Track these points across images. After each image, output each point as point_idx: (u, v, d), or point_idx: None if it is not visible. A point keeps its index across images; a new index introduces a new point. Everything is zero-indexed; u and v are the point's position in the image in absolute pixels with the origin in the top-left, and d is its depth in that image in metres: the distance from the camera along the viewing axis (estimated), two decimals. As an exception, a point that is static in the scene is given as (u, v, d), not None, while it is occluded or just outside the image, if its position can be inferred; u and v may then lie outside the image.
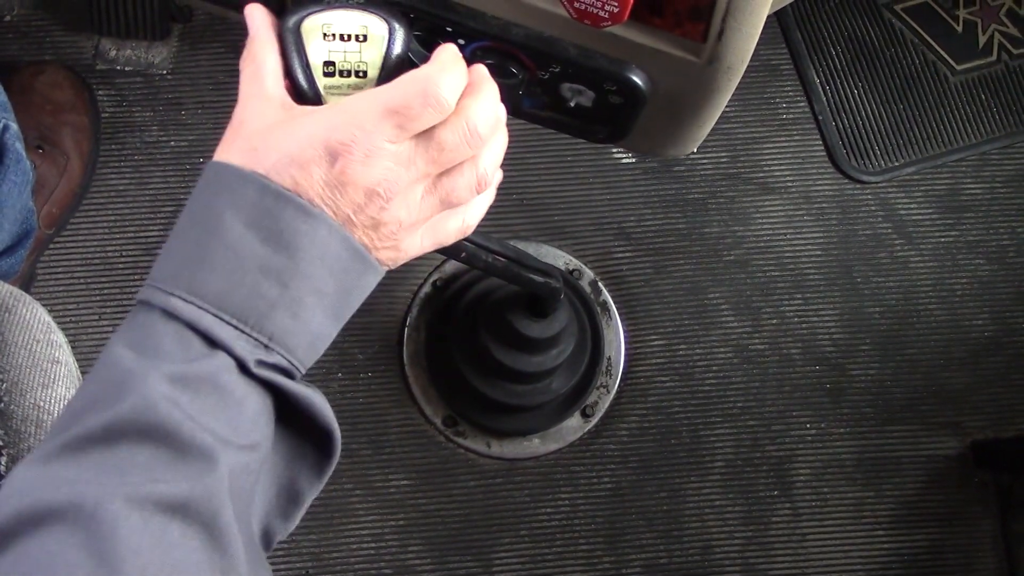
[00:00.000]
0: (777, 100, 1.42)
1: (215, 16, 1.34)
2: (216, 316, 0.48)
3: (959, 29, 1.46)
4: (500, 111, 0.56)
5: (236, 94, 1.53)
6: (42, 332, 0.74)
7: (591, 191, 1.36)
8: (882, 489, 1.32)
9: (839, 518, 1.31)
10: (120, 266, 1.28)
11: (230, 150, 0.51)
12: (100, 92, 1.31)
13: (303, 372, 0.51)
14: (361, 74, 0.58)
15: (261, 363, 0.48)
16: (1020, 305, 1.39)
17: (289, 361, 0.50)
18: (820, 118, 1.41)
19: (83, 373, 0.80)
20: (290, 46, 0.56)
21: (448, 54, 0.54)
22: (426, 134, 0.51)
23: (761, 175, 1.39)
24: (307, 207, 0.49)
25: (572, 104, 0.73)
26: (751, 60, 0.66)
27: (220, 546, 0.44)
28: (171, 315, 0.48)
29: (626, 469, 1.30)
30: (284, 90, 0.55)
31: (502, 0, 0.67)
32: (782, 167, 1.40)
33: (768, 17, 0.65)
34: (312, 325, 0.50)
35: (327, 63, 0.57)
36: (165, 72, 1.33)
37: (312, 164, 0.49)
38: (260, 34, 0.56)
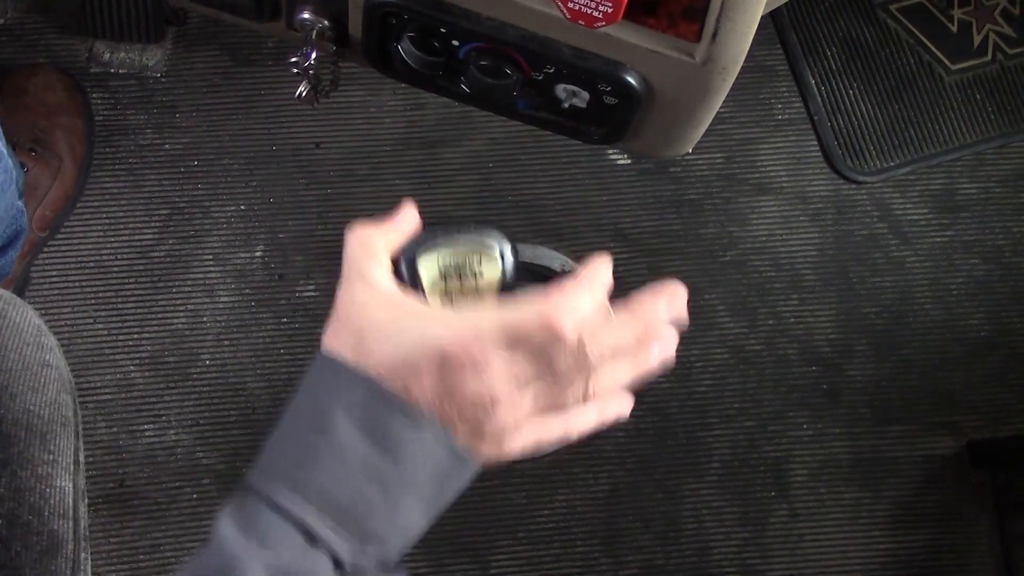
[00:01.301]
0: (772, 101, 1.42)
1: (209, 19, 1.34)
2: (319, 515, 0.49)
3: (954, 29, 1.46)
4: (636, 344, 0.56)
5: (231, 97, 1.52)
6: (33, 335, 0.74)
7: (587, 192, 1.36)
8: (879, 489, 1.32)
9: (836, 518, 1.31)
10: (114, 269, 1.28)
11: (340, 342, 0.52)
12: (94, 95, 1.31)
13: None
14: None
15: (356, 564, 0.50)
16: (1016, 305, 1.39)
17: (380, 558, 0.51)
18: (815, 119, 1.41)
19: (75, 377, 0.80)
20: (406, 281, 0.57)
21: (588, 276, 0.55)
22: (541, 352, 0.52)
23: (757, 176, 1.39)
24: (416, 415, 0.50)
25: (567, 105, 0.73)
26: (746, 61, 0.66)
27: None
28: (276, 506, 0.49)
29: (623, 470, 1.30)
30: (392, 282, 0.56)
31: (496, 0, 0.66)
32: (778, 168, 1.40)
33: (763, 18, 0.65)
34: (408, 523, 0.51)
35: (445, 294, 0.59)
36: (159, 75, 1.33)
37: (424, 372, 0.50)
38: (396, 224, 0.57)
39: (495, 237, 0.61)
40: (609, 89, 0.69)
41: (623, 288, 0.59)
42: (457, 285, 0.59)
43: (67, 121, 1.26)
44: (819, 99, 1.42)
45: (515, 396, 0.52)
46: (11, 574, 0.67)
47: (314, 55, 0.77)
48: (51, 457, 0.71)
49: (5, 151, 0.86)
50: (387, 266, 0.56)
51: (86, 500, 0.74)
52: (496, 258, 0.60)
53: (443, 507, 0.53)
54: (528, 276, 0.65)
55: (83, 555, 0.72)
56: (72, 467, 0.73)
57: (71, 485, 0.72)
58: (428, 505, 0.52)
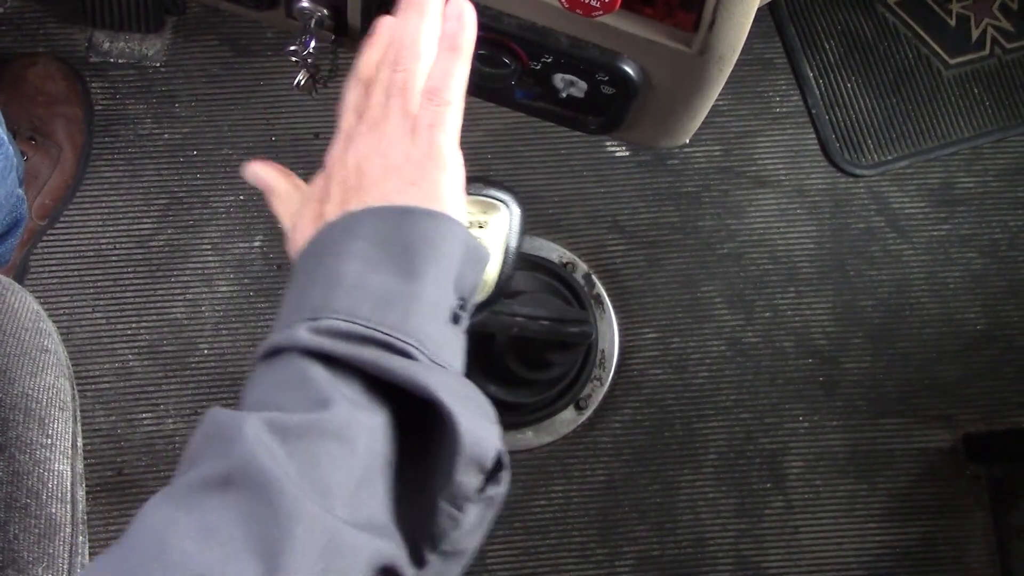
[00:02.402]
0: (770, 94, 1.42)
1: (209, 8, 1.34)
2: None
3: (952, 23, 1.46)
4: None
5: (230, 87, 1.53)
6: (31, 321, 0.74)
7: (585, 184, 1.36)
8: (875, 482, 1.33)
9: (832, 511, 1.32)
10: (113, 259, 1.28)
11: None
12: (93, 84, 1.31)
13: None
14: None
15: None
16: (1012, 298, 1.39)
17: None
18: (813, 112, 1.41)
19: (74, 365, 0.80)
20: None
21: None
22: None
23: (754, 168, 1.39)
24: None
25: (564, 95, 0.73)
26: (745, 54, 0.66)
27: None
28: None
29: (619, 462, 1.30)
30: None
31: (493, -11, 0.67)
32: (775, 161, 1.40)
33: (762, 11, 0.65)
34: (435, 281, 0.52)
35: None
36: (159, 64, 1.33)
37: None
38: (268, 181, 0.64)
39: (502, 192, 0.61)
40: (606, 79, 0.70)
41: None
42: None
43: (67, 110, 1.26)
44: (817, 92, 1.42)
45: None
46: (9, 557, 0.68)
47: (312, 44, 0.77)
48: (49, 441, 0.72)
49: (6, 138, 0.86)
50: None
51: (84, 484, 0.75)
52: (503, 211, 0.60)
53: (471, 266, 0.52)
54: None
55: (81, 539, 0.72)
56: (70, 451, 0.73)
57: (69, 469, 0.72)
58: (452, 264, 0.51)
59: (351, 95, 0.59)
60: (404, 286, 0.49)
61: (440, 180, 0.53)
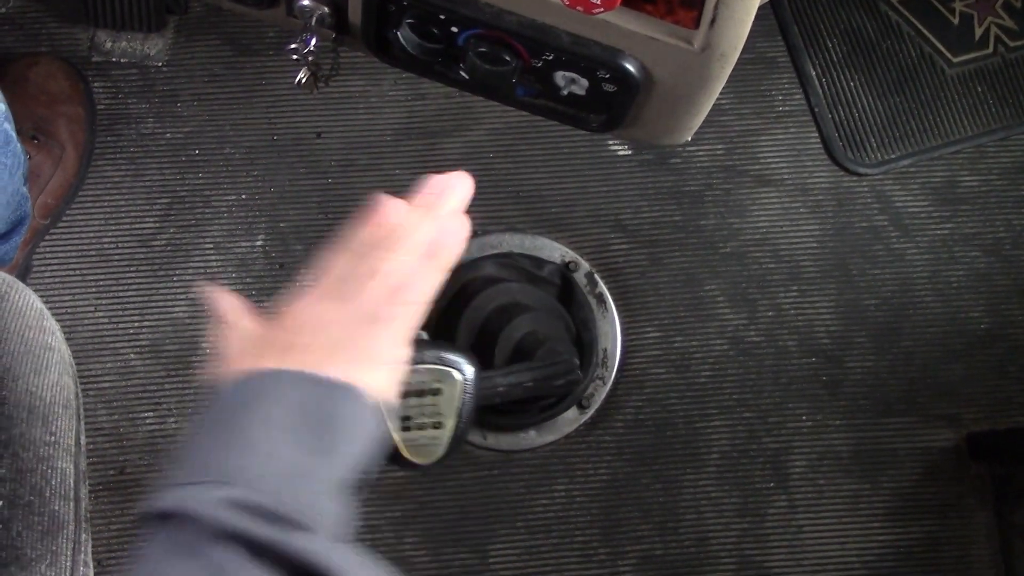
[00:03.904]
0: (773, 92, 1.42)
1: (211, 8, 1.34)
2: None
3: (955, 21, 1.46)
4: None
5: (232, 86, 1.52)
6: (35, 319, 0.75)
7: (587, 183, 1.36)
8: (878, 481, 1.33)
9: (835, 510, 1.32)
10: (115, 258, 1.28)
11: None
12: (96, 84, 1.31)
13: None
14: (437, 425, 0.61)
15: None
16: (1016, 297, 1.39)
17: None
18: (816, 110, 1.41)
19: (76, 361, 0.80)
20: None
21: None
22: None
23: (757, 167, 1.39)
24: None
25: (565, 92, 0.74)
26: (747, 52, 0.66)
27: None
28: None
29: (622, 461, 1.30)
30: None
31: (495, -13, 0.67)
32: (778, 159, 1.40)
33: (764, 9, 0.65)
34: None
35: (404, 418, 0.60)
36: (161, 64, 1.33)
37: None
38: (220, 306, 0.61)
39: (455, 355, 0.62)
40: (608, 76, 0.70)
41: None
42: (416, 404, 0.60)
43: (69, 110, 1.26)
44: (820, 91, 1.42)
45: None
46: (13, 554, 0.68)
47: (313, 42, 0.77)
48: (53, 439, 0.72)
49: (14, 135, 0.86)
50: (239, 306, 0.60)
51: (87, 482, 0.75)
52: (456, 376, 0.61)
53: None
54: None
55: (84, 536, 0.72)
56: (73, 449, 0.73)
57: (72, 467, 0.73)
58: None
59: (340, 260, 0.58)
60: (316, 462, 0.51)
61: (378, 373, 0.55)
